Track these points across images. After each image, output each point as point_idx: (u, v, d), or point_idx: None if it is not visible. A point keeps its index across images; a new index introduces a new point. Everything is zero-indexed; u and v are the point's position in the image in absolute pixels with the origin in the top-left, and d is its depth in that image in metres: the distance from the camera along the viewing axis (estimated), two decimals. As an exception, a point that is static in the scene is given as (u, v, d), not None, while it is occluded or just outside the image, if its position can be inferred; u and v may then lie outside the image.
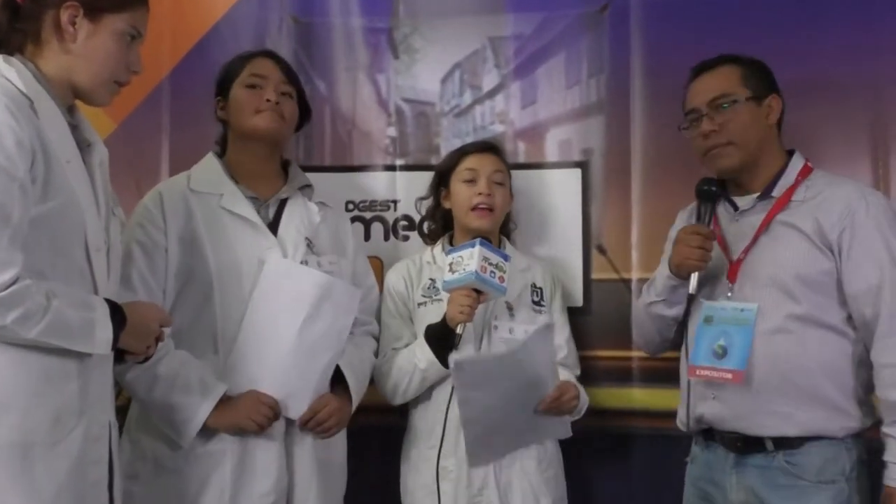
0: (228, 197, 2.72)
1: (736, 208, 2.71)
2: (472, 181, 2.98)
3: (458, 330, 2.75)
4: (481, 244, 2.73)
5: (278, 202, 2.79)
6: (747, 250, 2.63)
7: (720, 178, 2.73)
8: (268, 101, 2.71)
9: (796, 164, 2.69)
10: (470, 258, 2.72)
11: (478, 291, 2.74)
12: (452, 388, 2.73)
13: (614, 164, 3.30)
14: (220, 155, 2.86)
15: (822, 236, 2.55)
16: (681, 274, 2.64)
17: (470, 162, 3.01)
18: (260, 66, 2.80)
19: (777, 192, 2.64)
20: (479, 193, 2.94)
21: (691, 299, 2.61)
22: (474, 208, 2.94)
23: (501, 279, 2.74)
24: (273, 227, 2.74)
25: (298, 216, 2.78)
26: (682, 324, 2.77)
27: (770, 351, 2.53)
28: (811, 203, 2.60)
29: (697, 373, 2.56)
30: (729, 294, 2.61)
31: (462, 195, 2.98)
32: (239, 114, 2.76)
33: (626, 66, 3.26)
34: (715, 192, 2.64)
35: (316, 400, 2.68)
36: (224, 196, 2.72)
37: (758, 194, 2.66)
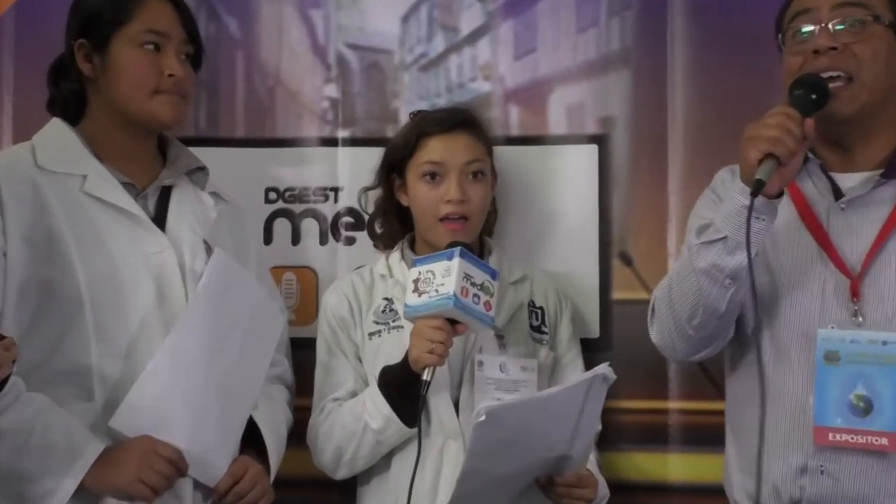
0: (95, 180, 2.41)
1: (838, 192, 2.34)
2: (435, 178, 2.67)
3: (425, 376, 2.44)
4: (462, 255, 2.45)
5: (159, 191, 2.53)
6: (871, 257, 2.29)
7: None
8: (171, 76, 2.45)
9: None
10: (445, 275, 2.44)
11: (453, 321, 2.46)
12: (418, 455, 2.44)
13: (644, 139, 2.97)
14: (73, 121, 2.53)
15: None
16: (749, 161, 2.18)
17: (432, 149, 2.68)
18: (158, 16, 2.48)
19: None
20: (448, 200, 2.64)
21: (757, 189, 2.16)
22: (443, 219, 2.66)
23: (487, 306, 2.47)
24: (158, 223, 2.47)
25: (190, 210, 2.52)
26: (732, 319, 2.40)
27: None
28: None
29: (832, 437, 2.24)
30: (856, 319, 2.27)
31: (423, 199, 2.68)
32: (129, 89, 2.46)
33: (661, 1, 2.94)
34: (823, 87, 2.24)
35: (234, 464, 2.43)
36: (89, 179, 2.41)
37: (874, 172, 2.33)
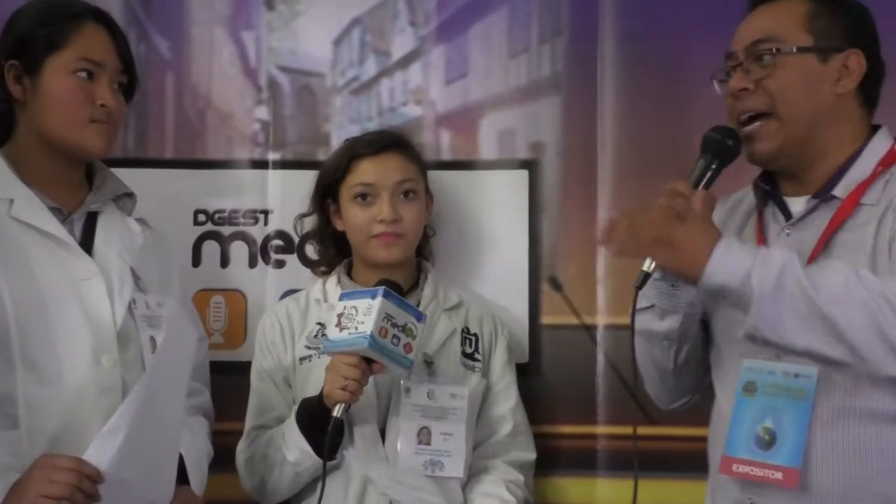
0: (23, 204, 2.37)
1: (789, 216, 2.28)
2: (367, 199, 2.67)
3: (336, 412, 2.43)
4: (385, 295, 2.43)
5: (85, 216, 2.48)
6: None
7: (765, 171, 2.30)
8: (103, 106, 2.40)
9: (877, 147, 2.24)
10: (366, 313, 2.43)
11: (369, 360, 2.45)
12: (321, 493, 2.46)
13: (575, 165, 2.97)
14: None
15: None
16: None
17: (363, 171, 2.68)
18: (94, 45, 2.43)
19: (841, 191, 2.20)
20: (381, 220, 2.65)
21: (643, 281, 2.10)
22: (377, 236, 2.66)
23: (408, 348, 2.45)
24: (84, 249, 2.43)
25: (118, 236, 2.48)
26: (703, 365, 2.38)
27: (833, 439, 2.16)
28: (881, 207, 2.17)
29: (735, 469, 2.18)
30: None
31: (356, 220, 2.68)
32: (60, 116, 2.42)
33: (592, 28, 2.94)
34: (730, 146, 2.17)
35: (181, 495, 2.39)
36: (16, 203, 2.37)
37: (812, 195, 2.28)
